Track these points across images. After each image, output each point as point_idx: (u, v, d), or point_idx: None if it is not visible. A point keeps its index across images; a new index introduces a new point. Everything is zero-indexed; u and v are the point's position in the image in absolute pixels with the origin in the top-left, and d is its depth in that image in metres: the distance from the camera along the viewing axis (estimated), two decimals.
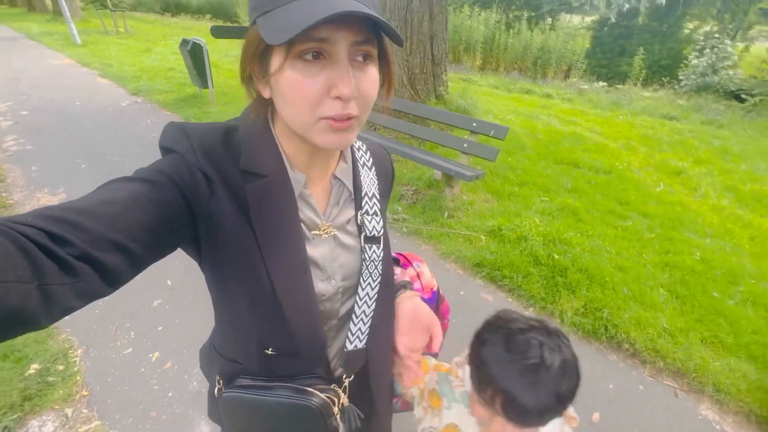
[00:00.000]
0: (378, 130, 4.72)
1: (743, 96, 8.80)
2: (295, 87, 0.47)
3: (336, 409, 0.66)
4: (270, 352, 0.62)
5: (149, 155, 3.90)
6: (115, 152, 4.23)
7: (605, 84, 10.23)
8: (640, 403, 1.88)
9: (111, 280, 0.42)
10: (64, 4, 10.64)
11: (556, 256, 2.71)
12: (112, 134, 4.74)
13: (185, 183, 0.51)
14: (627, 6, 14.19)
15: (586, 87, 9.77)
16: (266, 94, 0.52)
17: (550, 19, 15.65)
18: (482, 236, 2.99)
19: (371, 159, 0.71)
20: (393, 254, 0.84)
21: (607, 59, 14.38)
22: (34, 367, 1.83)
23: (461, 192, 3.63)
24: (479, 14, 11.18)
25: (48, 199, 3.27)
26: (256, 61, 0.50)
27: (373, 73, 0.50)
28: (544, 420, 0.66)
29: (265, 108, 0.56)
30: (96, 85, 6.95)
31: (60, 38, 10.92)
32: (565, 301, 2.39)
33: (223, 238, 0.55)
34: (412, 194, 3.66)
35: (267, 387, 0.64)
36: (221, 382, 0.70)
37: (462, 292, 2.49)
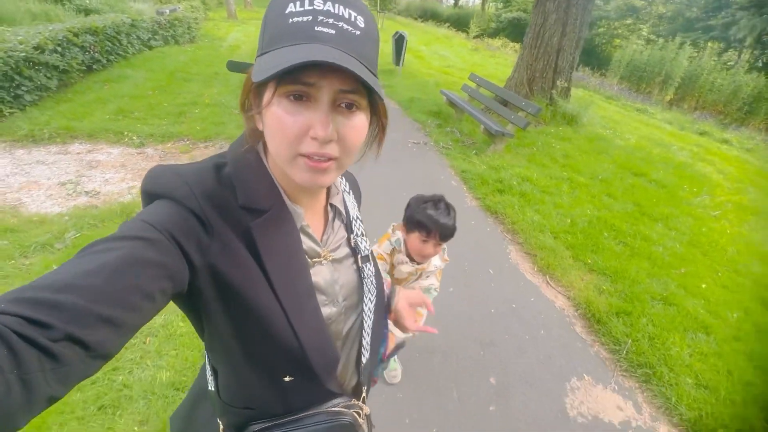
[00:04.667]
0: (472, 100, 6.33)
1: None
2: (278, 122, 0.50)
3: (361, 421, 0.73)
4: (288, 380, 0.63)
5: None
6: None
7: None
8: (487, 241, 3.34)
9: (99, 356, 0.40)
10: None
11: (518, 186, 4.09)
12: None
13: (182, 234, 0.50)
14: None
15: None
16: (259, 126, 0.56)
17: None
18: (483, 166, 4.55)
19: (347, 185, 0.78)
20: None
21: None
22: None
23: (502, 151, 5.11)
24: (686, 48, 10.61)
25: None
26: (253, 94, 0.54)
27: (358, 120, 0.53)
28: (434, 237, 1.47)
29: (257, 140, 0.60)
30: None
31: None
32: (495, 200, 3.85)
33: (229, 282, 0.54)
34: (470, 143, 5.36)
35: (295, 420, 0.66)
36: None
37: (442, 177, 4.24)
